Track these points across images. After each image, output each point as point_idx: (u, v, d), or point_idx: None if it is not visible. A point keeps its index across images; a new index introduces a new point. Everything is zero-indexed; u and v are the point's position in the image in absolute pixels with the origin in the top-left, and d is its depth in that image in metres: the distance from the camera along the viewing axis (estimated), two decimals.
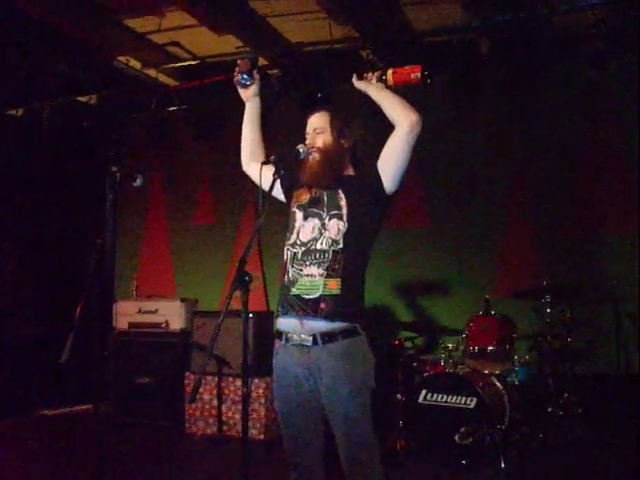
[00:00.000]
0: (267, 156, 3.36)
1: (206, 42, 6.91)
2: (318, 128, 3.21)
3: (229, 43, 6.81)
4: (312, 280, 3.03)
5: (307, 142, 3.21)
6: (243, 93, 3.49)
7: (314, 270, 3.04)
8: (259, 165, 3.20)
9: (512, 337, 5.81)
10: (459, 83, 6.69)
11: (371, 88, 3.16)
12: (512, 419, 5.39)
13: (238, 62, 3.41)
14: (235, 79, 3.42)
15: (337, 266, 3.02)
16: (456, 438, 5.22)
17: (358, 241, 3.09)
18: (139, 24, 6.65)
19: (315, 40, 6.83)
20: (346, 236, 3.05)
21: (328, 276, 3.01)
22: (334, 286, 3.01)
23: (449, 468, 5.20)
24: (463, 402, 5.29)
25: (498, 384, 5.50)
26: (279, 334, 3.15)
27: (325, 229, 3.08)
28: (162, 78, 7.79)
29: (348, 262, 3.04)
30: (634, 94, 6.11)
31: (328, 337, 2.99)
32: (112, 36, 6.74)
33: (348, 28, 6.49)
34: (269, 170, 3.06)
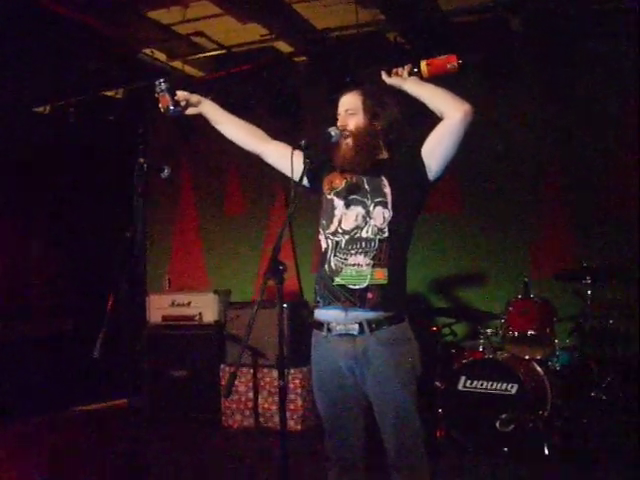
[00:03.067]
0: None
1: (231, 31, 6.82)
2: (350, 109, 3.10)
3: (254, 31, 6.75)
4: (359, 270, 2.95)
5: (338, 123, 3.10)
6: (189, 113, 3.41)
7: (360, 259, 2.96)
8: (271, 144, 3.28)
9: (552, 321, 5.65)
10: (491, 63, 6.51)
11: (408, 84, 3.05)
12: (554, 405, 5.28)
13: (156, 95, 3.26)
14: (167, 115, 3.31)
15: (383, 255, 2.95)
16: (497, 425, 5.15)
17: (401, 229, 3.02)
18: (163, 15, 6.56)
19: (341, 25, 6.70)
20: (391, 224, 2.98)
21: (375, 265, 2.94)
22: (381, 276, 2.93)
23: (490, 456, 5.12)
24: (504, 388, 5.20)
25: (539, 369, 5.38)
26: (319, 325, 3.06)
27: (370, 217, 2.99)
28: (188, 69, 7.73)
29: (393, 250, 2.97)
30: None
31: (375, 324, 2.92)
32: (136, 29, 6.69)
33: (375, 11, 6.36)
34: (299, 156, 2.95)
